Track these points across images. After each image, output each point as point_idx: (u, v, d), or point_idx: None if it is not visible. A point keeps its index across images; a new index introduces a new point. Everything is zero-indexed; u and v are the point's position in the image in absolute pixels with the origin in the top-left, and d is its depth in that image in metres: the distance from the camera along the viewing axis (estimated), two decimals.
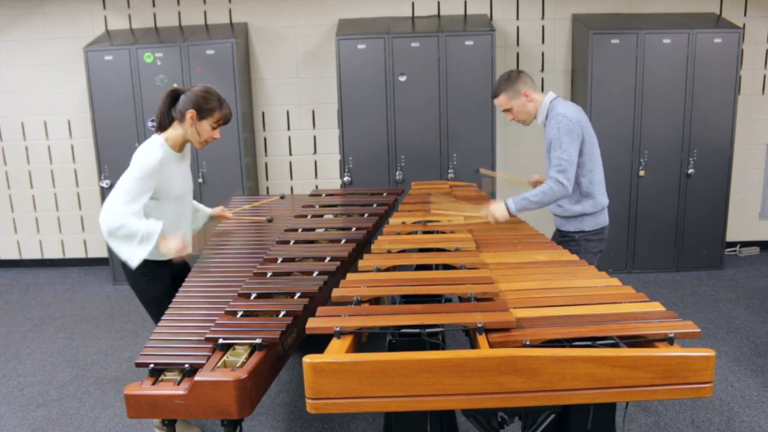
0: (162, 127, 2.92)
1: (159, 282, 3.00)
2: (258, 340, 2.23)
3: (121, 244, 2.77)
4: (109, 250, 5.34)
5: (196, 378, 2.07)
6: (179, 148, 2.93)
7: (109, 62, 4.99)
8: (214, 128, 2.88)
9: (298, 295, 2.61)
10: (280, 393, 3.64)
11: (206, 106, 2.83)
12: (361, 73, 4.98)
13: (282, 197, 3.64)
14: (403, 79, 4.99)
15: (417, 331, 2.06)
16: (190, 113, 2.83)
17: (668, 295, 4.87)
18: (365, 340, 2.27)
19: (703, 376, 1.80)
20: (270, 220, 3.55)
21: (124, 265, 2.94)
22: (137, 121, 5.07)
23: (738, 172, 5.48)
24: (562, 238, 3.38)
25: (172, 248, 2.80)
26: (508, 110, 3.29)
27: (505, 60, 5.42)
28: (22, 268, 5.91)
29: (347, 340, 2.01)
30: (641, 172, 5.13)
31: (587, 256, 3.32)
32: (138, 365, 2.23)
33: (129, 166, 2.83)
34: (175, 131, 2.89)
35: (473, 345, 2.09)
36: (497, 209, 3.22)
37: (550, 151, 3.15)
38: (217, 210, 3.51)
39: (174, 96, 2.89)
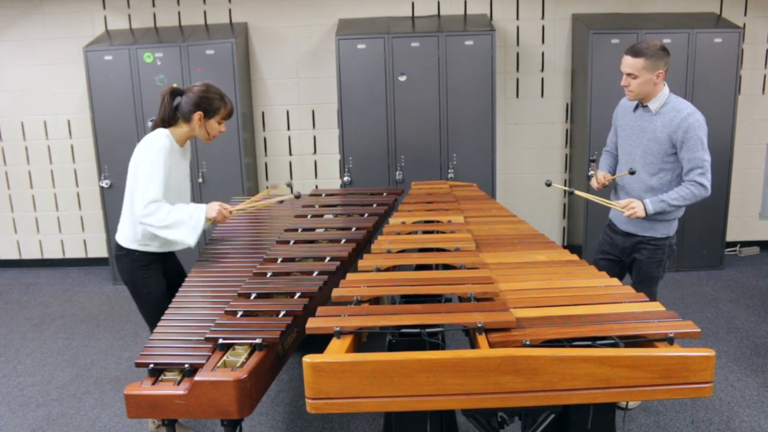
0: (166, 124, 2.98)
1: (156, 278, 3.04)
2: (258, 340, 2.23)
3: (176, 231, 2.89)
4: (109, 250, 5.34)
5: (196, 378, 2.07)
6: (182, 143, 3.04)
7: (108, 62, 4.99)
8: (220, 123, 3.02)
9: (298, 295, 2.61)
10: (280, 393, 3.64)
11: (212, 106, 2.94)
12: (361, 73, 4.98)
13: (298, 196, 3.37)
14: (403, 79, 4.99)
15: (417, 331, 2.06)
16: (198, 115, 2.93)
17: (668, 295, 4.87)
18: (365, 340, 2.27)
19: (703, 376, 1.80)
20: (298, 196, 3.30)
21: (120, 260, 3.03)
22: (137, 121, 5.07)
23: (738, 172, 5.47)
24: (641, 245, 3.22)
25: (214, 212, 2.98)
26: (631, 75, 3.07)
27: (505, 60, 5.42)
28: (22, 268, 5.90)
29: (347, 340, 2.01)
30: None
31: (666, 263, 3.27)
32: (138, 365, 2.23)
33: (134, 161, 2.91)
34: (180, 129, 2.99)
35: (473, 345, 2.09)
36: (638, 207, 3.06)
37: (687, 151, 3.04)
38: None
39: (175, 94, 2.97)
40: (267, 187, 3.50)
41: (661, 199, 3.06)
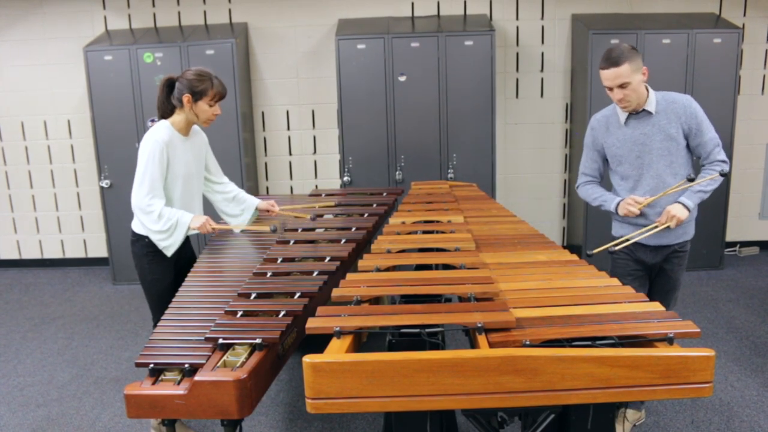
0: (164, 116, 3.07)
1: (162, 266, 3.09)
2: (258, 340, 2.23)
3: (157, 236, 2.99)
4: (109, 250, 5.34)
5: (196, 378, 2.07)
6: (185, 131, 3.07)
7: (108, 62, 4.99)
8: (211, 106, 3.02)
9: (298, 295, 2.61)
10: (280, 393, 3.64)
11: (199, 87, 2.96)
12: (360, 73, 4.98)
13: (274, 230, 3.33)
14: (402, 79, 4.99)
15: (417, 331, 2.06)
16: (186, 98, 2.97)
17: None
18: (365, 340, 2.27)
19: (703, 376, 1.80)
20: (274, 230, 3.22)
21: (133, 246, 3.12)
22: (137, 121, 5.07)
23: (738, 172, 5.48)
24: (673, 254, 3.04)
25: (199, 223, 3.01)
26: (623, 86, 2.84)
27: (504, 60, 5.42)
28: (22, 268, 5.91)
29: (347, 340, 2.01)
30: None
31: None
32: (138, 365, 2.23)
33: (139, 154, 2.99)
34: (178, 116, 3.05)
35: (473, 345, 2.09)
36: (679, 211, 2.86)
37: (702, 135, 2.92)
38: (265, 204, 3.49)
39: (170, 84, 3.02)
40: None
41: (695, 191, 2.91)
